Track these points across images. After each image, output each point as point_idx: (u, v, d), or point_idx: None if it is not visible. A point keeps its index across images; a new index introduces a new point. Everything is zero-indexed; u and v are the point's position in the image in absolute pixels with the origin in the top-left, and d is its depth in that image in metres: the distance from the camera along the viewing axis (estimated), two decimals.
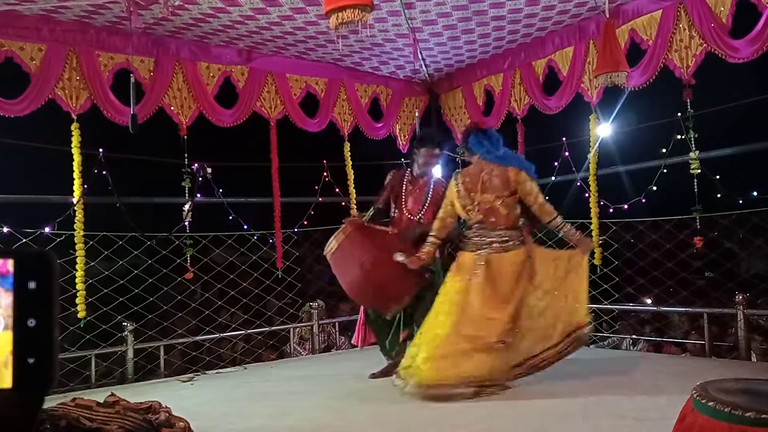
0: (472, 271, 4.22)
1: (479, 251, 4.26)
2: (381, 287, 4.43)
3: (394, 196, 4.86)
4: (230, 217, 5.96)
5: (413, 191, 4.84)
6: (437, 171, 6.98)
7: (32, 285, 0.60)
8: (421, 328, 4.30)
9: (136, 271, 5.63)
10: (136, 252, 5.51)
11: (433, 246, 4.41)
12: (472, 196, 4.28)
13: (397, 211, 4.84)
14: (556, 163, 6.07)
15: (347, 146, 6.57)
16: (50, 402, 3.20)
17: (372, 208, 4.91)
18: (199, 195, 5.69)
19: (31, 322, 0.59)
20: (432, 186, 4.85)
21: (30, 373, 0.59)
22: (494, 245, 4.24)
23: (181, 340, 5.85)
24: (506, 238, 4.25)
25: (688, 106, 5.03)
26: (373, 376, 4.76)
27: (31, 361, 0.59)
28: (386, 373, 4.63)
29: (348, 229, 4.50)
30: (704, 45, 4.68)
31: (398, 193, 4.86)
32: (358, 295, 4.66)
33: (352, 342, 5.29)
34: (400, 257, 4.32)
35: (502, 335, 4.07)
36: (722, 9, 4.55)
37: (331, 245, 4.53)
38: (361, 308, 5.01)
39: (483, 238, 4.28)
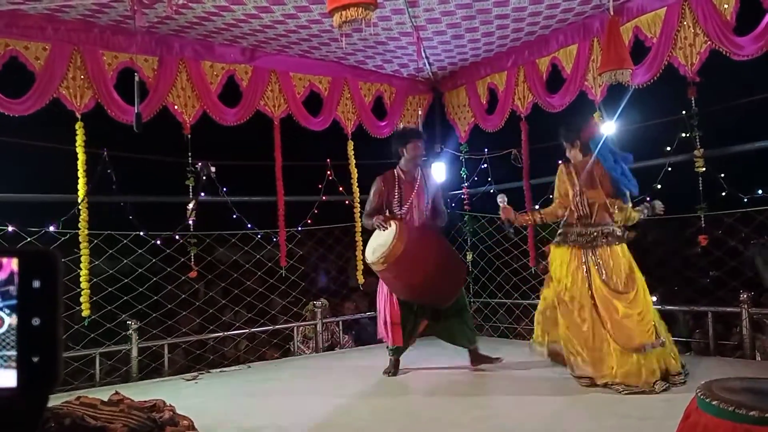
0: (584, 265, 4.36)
1: (587, 245, 4.39)
2: (442, 283, 4.64)
3: (398, 198, 4.85)
4: (234, 216, 5.97)
5: (414, 188, 4.87)
6: (441, 169, 7.03)
7: (36, 284, 0.60)
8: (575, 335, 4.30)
9: (140, 270, 5.64)
10: (140, 251, 5.52)
11: (531, 217, 4.78)
12: (583, 190, 4.43)
13: (406, 210, 4.82)
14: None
15: (351, 145, 6.57)
16: (55, 400, 3.21)
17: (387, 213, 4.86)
18: (202, 194, 5.69)
19: (36, 321, 0.60)
20: (428, 178, 5.01)
21: (35, 372, 0.60)
22: (599, 239, 4.38)
23: (185, 339, 5.86)
24: (608, 232, 4.39)
25: (693, 104, 5.01)
26: (392, 374, 4.87)
27: (35, 359, 0.59)
28: (396, 367, 4.90)
29: (404, 235, 4.46)
30: (709, 42, 4.66)
31: (400, 193, 4.86)
32: (420, 294, 4.68)
33: (389, 344, 4.91)
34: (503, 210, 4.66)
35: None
36: (726, 6, 4.53)
37: (384, 253, 4.42)
38: (388, 309, 4.84)
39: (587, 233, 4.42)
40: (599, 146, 4.42)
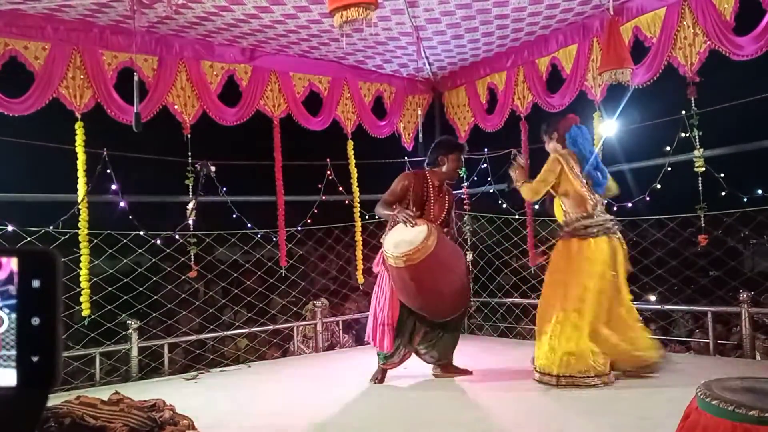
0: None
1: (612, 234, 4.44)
2: (452, 300, 4.51)
3: (419, 201, 4.61)
4: (234, 216, 5.97)
5: (439, 197, 4.69)
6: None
7: (36, 283, 0.60)
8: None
9: (140, 270, 5.65)
10: (140, 250, 5.52)
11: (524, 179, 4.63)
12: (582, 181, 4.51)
13: (423, 215, 4.56)
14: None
15: (350, 144, 6.57)
16: (55, 400, 3.22)
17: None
18: (202, 193, 5.69)
19: (35, 321, 0.60)
20: (449, 192, 4.85)
21: (34, 372, 0.60)
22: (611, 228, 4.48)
23: (185, 338, 5.86)
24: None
25: (693, 104, 5.02)
26: (378, 380, 4.70)
27: (35, 359, 0.60)
28: (384, 374, 4.72)
29: (432, 239, 4.17)
30: (708, 42, 4.67)
31: (424, 198, 4.64)
32: (427, 304, 4.44)
33: (382, 349, 4.57)
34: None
35: None
36: (726, 6, 4.54)
37: (409, 251, 4.11)
38: (387, 311, 4.51)
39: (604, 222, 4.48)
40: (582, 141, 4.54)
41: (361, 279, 6.58)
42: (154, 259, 5.70)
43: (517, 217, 6.49)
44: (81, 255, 4.97)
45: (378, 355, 4.69)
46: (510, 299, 6.72)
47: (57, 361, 0.60)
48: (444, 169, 4.70)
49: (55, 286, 0.60)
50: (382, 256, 4.51)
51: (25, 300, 0.60)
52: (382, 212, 4.63)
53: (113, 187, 5.29)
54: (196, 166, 5.62)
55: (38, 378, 0.60)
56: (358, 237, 6.57)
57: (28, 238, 4.94)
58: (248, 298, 6.39)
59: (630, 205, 5.59)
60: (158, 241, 5.58)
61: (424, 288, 4.31)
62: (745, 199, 5.09)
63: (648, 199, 5.45)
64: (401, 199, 4.59)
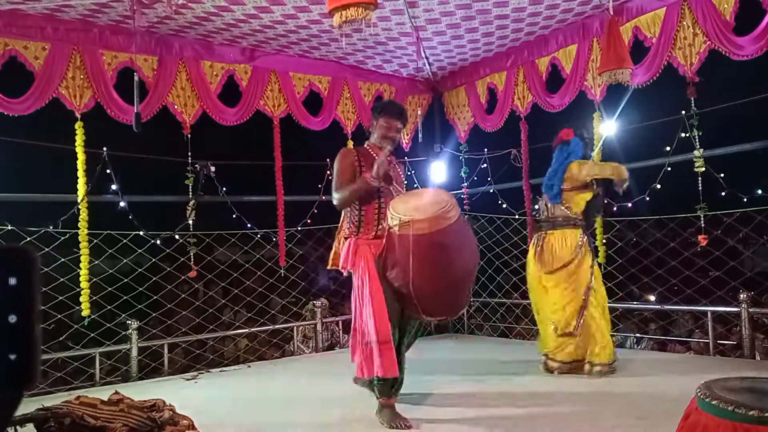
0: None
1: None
2: (465, 288, 3.69)
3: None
4: (233, 216, 5.97)
5: (393, 170, 3.91)
6: (441, 169, 7.04)
7: (13, 281, 0.59)
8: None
9: (139, 270, 5.65)
10: (139, 250, 5.53)
11: None
12: None
13: (383, 191, 3.75)
14: None
15: (350, 144, 6.56)
16: (55, 400, 3.22)
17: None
18: (202, 193, 5.69)
19: (12, 319, 0.59)
20: (399, 164, 4.14)
21: (11, 370, 0.59)
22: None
23: (184, 338, 5.86)
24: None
25: (692, 104, 5.01)
26: (404, 425, 3.57)
27: (12, 357, 0.59)
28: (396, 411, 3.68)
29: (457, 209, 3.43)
30: (708, 42, 4.66)
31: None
32: (446, 287, 3.49)
33: (385, 374, 3.47)
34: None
35: None
36: (726, 6, 4.53)
37: (444, 208, 3.32)
38: (373, 324, 3.45)
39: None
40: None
41: None
42: (154, 259, 5.71)
43: (517, 217, 6.49)
44: (81, 255, 4.97)
45: (377, 383, 3.57)
46: (510, 299, 6.71)
47: (35, 359, 0.59)
48: (375, 135, 3.90)
49: (32, 284, 0.60)
50: (361, 247, 3.71)
51: (2, 298, 0.59)
52: (343, 195, 3.71)
53: (113, 187, 5.30)
54: (196, 166, 5.62)
55: (16, 376, 0.59)
56: None
57: (28, 238, 4.94)
58: (248, 298, 6.39)
59: (630, 205, 5.59)
60: (158, 241, 5.59)
61: (458, 255, 3.48)
62: (745, 199, 5.08)
63: (648, 199, 5.44)
64: (353, 178, 3.73)
